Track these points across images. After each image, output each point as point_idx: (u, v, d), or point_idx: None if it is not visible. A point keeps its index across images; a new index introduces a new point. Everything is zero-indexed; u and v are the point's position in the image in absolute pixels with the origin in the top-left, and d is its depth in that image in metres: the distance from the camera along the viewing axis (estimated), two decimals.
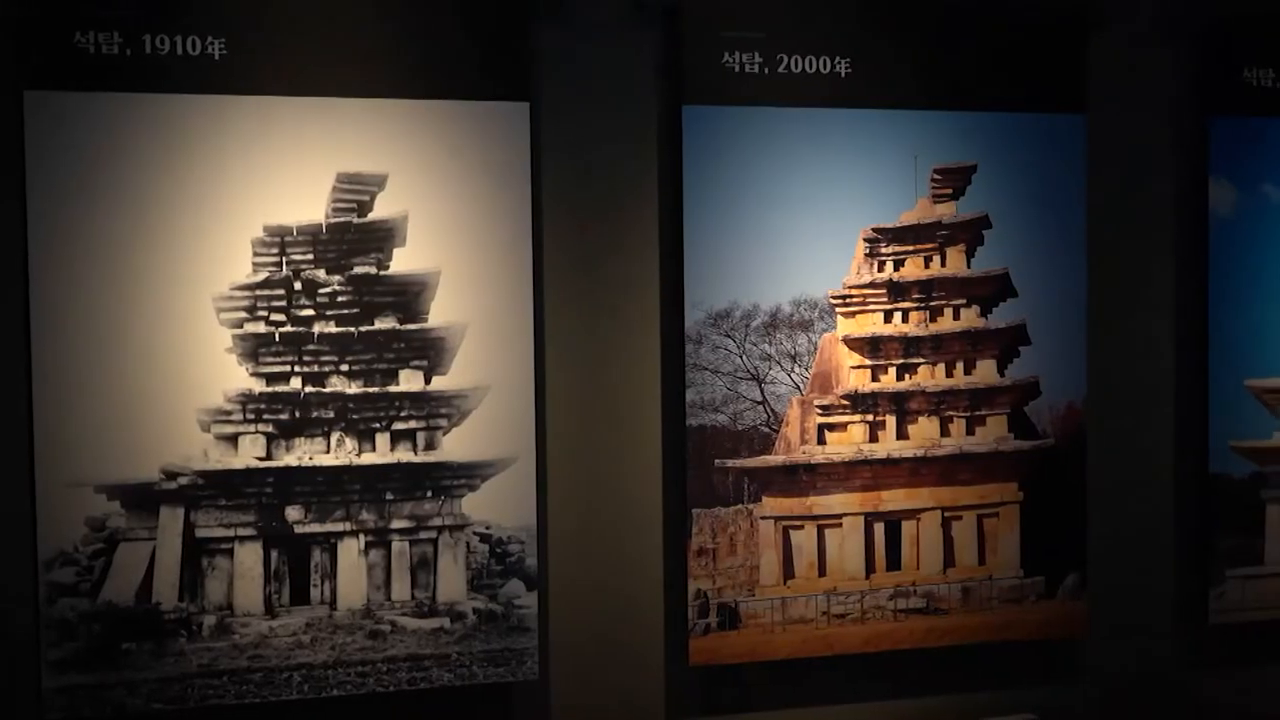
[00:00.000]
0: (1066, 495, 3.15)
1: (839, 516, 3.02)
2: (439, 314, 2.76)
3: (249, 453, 2.69)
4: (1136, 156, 3.25)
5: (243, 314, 2.67)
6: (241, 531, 2.69)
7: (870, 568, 3.04)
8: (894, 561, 3.05)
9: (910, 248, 3.04)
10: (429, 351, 2.77)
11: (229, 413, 2.67)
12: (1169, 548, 3.30)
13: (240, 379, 2.67)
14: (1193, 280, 3.25)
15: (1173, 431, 3.29)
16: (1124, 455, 3.24)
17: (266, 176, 2.66)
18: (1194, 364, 3.26)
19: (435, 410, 2.77)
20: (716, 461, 2.93)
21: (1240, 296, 3.24)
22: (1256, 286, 3.26)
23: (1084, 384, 3.15)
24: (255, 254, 2.67)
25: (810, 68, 2.96)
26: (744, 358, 2.94)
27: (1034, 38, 3.10)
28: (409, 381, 2.76)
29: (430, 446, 2.77)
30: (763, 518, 2.97)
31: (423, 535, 2.78)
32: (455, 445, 2.78)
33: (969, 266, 3.08)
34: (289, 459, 2.71)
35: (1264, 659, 3.36)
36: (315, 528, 2.73)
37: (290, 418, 2.71)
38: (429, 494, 2.78)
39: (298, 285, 2.71)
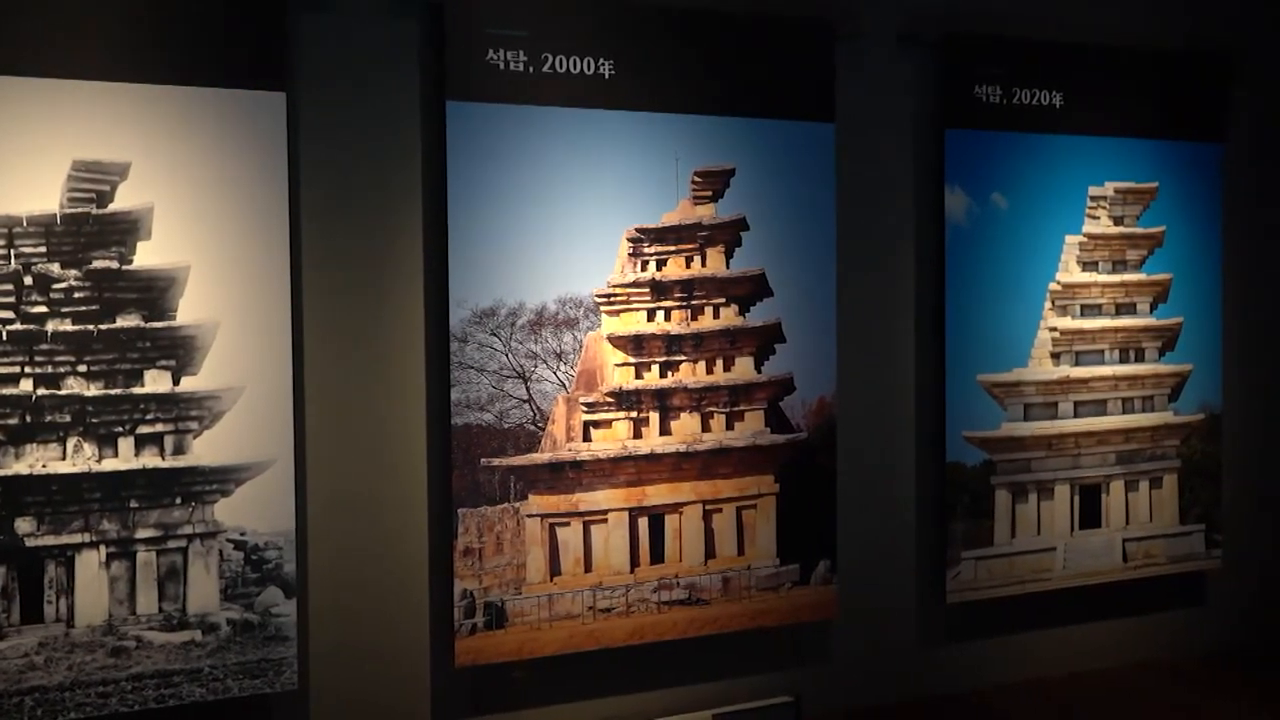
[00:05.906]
0: (818, 486, 3.30)
1: (604, 512, 3.07)
2: (188, 311, 2.63)
3: None
4: (880, 165, 3.45)
5: None
6: None
7: (635, 562, 3.10)
8: (658, 555, 3.13)
9: (672, 248, 3.12)
10: (177, 350, 2.63)
11: None
12: (910, 532, 3.52)
13: None
14: (931, 282, 3.48)
15: (913, 423, 3.51)
16: (870, 446, 3.44)
17: None
18: (932, 360, 3.49)
19: (185, 412, 2.64)
20: (482, 460, 2.92)
21: (973, 298, 3.48)
22: (987, 288, 3.51)
23: (834, 379, 3.31)
24: None
25: (575, 68, 2.98)
26: (510, 356, 2.93)
27: (787, 48, 3.23)
28: (155, 382, 2.62)
29: (179, 451, 2.64)
30: (529, 515, 2.98)
31: (171, 544, 2.64)
32: (207, 449, 2.65)
33: (728, 266, 3.18)
34: (19, 467, 2.52)
35: (995, 632, 3.63)
36: (49, 540, 2.55)
37: (20, 422, 2.52)
38: (178, 500, 2.64)
39: (28, 280, 2.52)
